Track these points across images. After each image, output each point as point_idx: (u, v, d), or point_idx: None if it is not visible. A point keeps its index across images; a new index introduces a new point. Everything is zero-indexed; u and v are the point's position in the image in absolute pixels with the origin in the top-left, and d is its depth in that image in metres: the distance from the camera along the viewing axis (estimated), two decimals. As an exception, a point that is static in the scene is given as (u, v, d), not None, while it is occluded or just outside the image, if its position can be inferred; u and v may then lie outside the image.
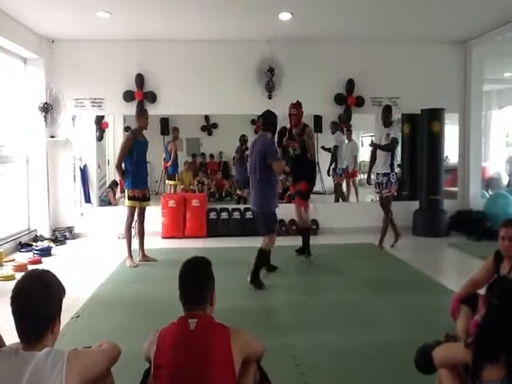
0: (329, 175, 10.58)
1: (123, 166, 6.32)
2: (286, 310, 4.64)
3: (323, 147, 11.15)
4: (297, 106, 6.40)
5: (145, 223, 6.55)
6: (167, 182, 10.79)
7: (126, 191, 6.34)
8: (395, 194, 7.19)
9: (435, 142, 7.92)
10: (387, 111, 7.07)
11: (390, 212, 7.12)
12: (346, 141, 10.58)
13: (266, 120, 5.57)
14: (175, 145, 10.42)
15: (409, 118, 9.42)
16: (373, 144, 7.16)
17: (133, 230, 6.60)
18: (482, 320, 2.18)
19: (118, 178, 10.75)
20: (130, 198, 6.31)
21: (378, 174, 7.15)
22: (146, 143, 6.47)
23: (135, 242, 6.54)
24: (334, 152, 10.18)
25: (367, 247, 7.38)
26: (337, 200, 10.08)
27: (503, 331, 1.91)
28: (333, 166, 10.37)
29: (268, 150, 5.32)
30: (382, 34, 8.08)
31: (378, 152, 7.09)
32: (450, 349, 2.25)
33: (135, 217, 6.52)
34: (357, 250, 7.22)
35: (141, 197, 6.37)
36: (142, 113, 6.51)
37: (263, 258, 5.42)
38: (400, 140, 10.32)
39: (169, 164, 10.50)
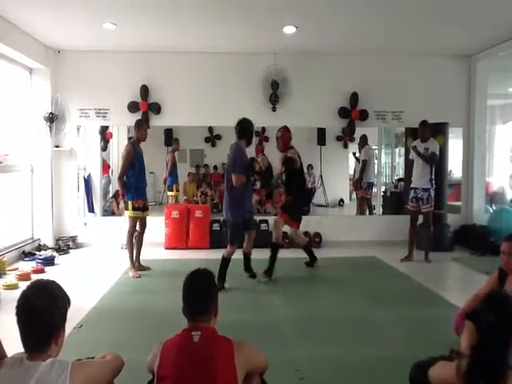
0: (357, 188, 10.29)
1: (124, 178, 6.36)
2: (289, 323, 4.62)
3: (354, 154, 10.98)
4: (282, 129, 6.37)
5: (145, 234, 6.62)
6: (168, 193, 10.77)
7: (130, 202, 6.34)
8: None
9: (439, 156, 7.92)
10: (424, 126, 7.14)
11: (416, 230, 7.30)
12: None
13: (243, 126, 5.74)
14: (173, 156, 10.40)
15: (413, 131, 9.43)
16: (416, 150, 7.14)
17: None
18: (475, 341, 2.12)
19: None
20: (134, 209, 6.34)
21: (415, 188, 7.17)
22: (142, 153, 6.54)
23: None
24: (363, 166, 9.84)
25: (370, 261, 7.35)
26: (361, 213, 9.85)
27: (498, 352, 1.88)
28: (357, 178, 10.11)
29: (234, 160, 5.59)
30: (387, 47, 8.13)
31: (416, 166, 7.16)
32: (447, 369, 2.19)
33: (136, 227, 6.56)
34: (360, 264, 7.19)
35: (142, 207, 6.42)
36: (142, 125, 6.57)
37: (223, 265, 5.61)
38: (404, 154, 10.41)
39: (166, 175, 10.50)
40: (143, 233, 6.58)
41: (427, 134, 7.15)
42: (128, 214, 6.42)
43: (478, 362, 1.95)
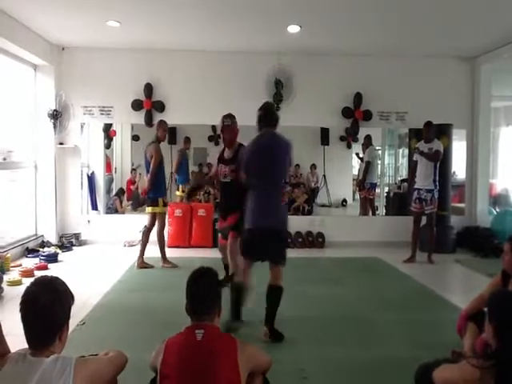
0: (360, 189, 10.21)
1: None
2: (292, 322, 4.61)
3: (357, 154, 10.95)
4: (231, 116, 4.94)
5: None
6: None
7: (161, 199, 6.55)
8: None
9: (443, 157, 7.91)
10: (428, 126, 7.14)
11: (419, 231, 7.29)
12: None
13: (272, 113, 4.50)
14: (180, 154, 10.25)
15: (417, 132, 9.41)
16: (418, 151, 7.14)
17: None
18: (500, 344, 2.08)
19: (124, 187, 10.81)
20: (164, 205, 6.66)
21: (419, 189, 7.16)
22: None
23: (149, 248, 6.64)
24: (366, 167, 9.77)
25: (373, 261, 7.34)
26: (364, 214, 9.82)
27: None
28: (361, 179, 10.06)
29: (290, 153, 4.31)
30: (390, 48, 8.12)
31: (420, 167, 7.16)
32: (451, 371, 2.17)
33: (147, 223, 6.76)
34: (363, 264, 7.18)
35: (167, 203, 6.77)
36: (161, 125, 6.69)
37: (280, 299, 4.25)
38: (407, 154, 10.38)
39: (175, 173, 10.37)
40: (152, 230, 6.75)
41: (431, 135, 7.14)
42: (159, 210, 6.60)
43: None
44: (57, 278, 2.02)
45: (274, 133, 4.35)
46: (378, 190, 10.14)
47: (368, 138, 9.81)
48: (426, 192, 7.08)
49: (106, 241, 8.19)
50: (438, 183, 7.11)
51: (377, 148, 10.31)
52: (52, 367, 1.80)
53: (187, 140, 10.17)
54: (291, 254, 7.29)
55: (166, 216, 7.11)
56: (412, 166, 7.54)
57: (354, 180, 12.69)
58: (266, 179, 4.20)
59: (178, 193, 10.45)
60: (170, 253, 7.69)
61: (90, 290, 5.44)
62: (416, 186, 7.22)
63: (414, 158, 7.37)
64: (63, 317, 1.94)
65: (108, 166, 10.55)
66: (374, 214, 9.86)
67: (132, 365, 2.28)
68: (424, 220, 7.33)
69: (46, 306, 1.87)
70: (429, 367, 2.29)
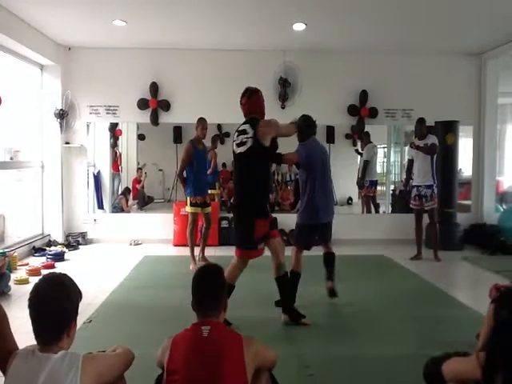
0: (359, 187, 10.26)
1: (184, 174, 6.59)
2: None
3: (357, 150, 10.96)
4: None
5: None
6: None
7: (188, 198, 6.58)
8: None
9: (449, 154, 7.88)
10: (420, 123, 7.09)
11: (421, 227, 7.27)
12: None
13: (315, 124, 5.34)
14: (215, 153, 10.29)
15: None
16: (414, 146, 7.06)
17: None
18: (491, 336, 2.05)
19: (130, 186, 10.85)
20: (192, 205, 6.58)
21: (418, 186, 7.09)
22: (206, 151, 6.91)
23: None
24: (365, 166, 9.73)
25: (379, 259, 7.32)
26: (367, 211, 9.74)
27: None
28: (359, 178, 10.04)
29: None
30: (396, 45, 8.09)
31: (417, 164, 7.09)
32: (460, 364, 2.13)
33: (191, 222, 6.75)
34: (369, 262, 7.17)
35: (202, 203, 6.62)
36: (198, 123, 6.65)
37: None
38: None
39: (209, 172, 10.30)
40: (208, 228, 6.85)
41: (424, 131, 7.06)
42: (187, 209, 6.67)
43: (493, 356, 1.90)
44: (65, 275, 2.03)
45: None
46: (379, 188, 10.09)
47: (366, 135, 9.68)
48: (426, 188, 7.01)
49: (112, 239, 8.22)
50: (435, 178, 7.04)
51: (377, 145, 10.19)
52: (60, 363, 1.81)
53: (215, 138, 10.19)
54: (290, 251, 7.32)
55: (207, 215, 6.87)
56: (408, 165, 7.45)
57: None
58: (325, 177, 4.90)
59: (212, 191, 10.27)
60: (177, 251, 7.74)
61: (96, 288, 5.47)
62: (415, 183, 7.16)
63: (409, 157, 7.28)
64: (71, 313, 1.96)
65: (116, 164, 10.55)
66: (376, 211, 9.78)
67: (139, 361, 2.28)
68: (426, 217, 7.29)
69: (55, 302, 1.89)
70: (438, 360, 2.26)
